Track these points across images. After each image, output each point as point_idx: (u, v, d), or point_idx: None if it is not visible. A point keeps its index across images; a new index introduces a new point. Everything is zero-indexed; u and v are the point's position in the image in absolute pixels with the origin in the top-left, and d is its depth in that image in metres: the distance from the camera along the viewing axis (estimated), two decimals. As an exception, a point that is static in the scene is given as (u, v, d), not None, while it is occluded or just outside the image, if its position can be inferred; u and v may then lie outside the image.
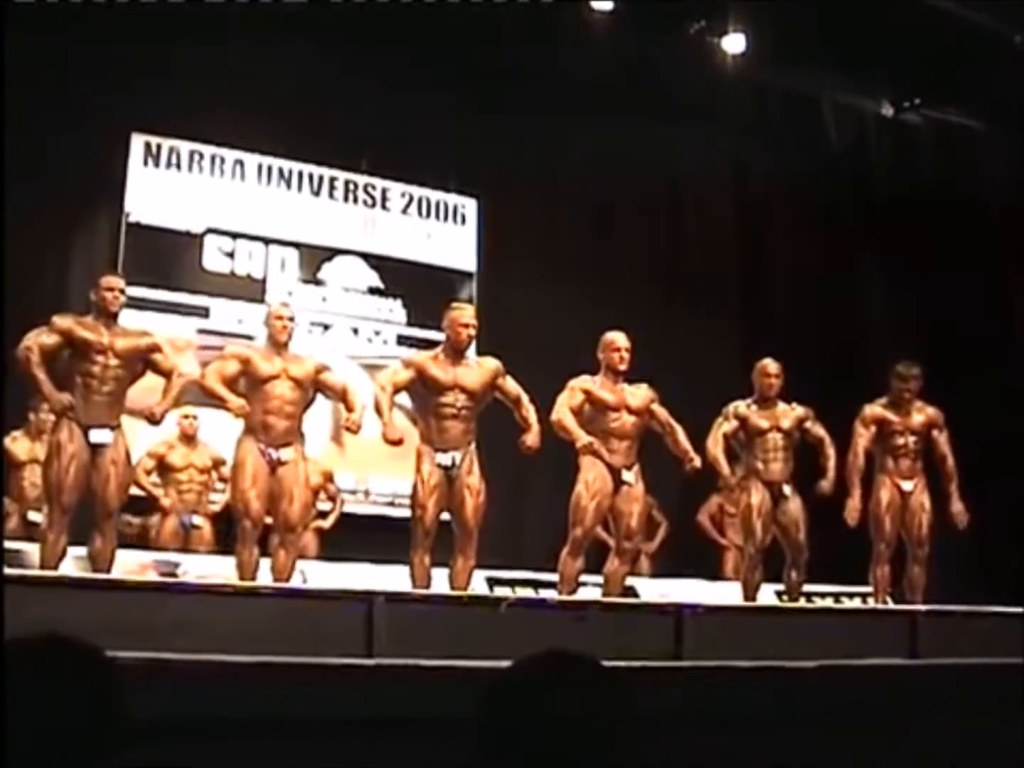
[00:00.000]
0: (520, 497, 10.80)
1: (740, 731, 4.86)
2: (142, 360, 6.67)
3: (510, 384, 7.05)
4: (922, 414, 7.93)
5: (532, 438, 6.96)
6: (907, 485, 7.84)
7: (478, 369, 7.00)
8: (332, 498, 9.86)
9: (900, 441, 7.87)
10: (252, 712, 4.35)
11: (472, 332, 6.99)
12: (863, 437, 7.82)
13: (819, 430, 7.80)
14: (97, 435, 6.40)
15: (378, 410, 6.70)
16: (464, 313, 7.08)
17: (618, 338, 7.25)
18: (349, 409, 6.89)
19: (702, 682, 5.39)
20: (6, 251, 4.77)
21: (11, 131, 4.69)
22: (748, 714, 5.02)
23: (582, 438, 6.98)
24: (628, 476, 7.11)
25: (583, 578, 7.12)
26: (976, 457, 8.32)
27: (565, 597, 6.91)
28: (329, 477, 9.77)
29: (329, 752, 4.32)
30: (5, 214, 4.87)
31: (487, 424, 7.09)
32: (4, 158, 5.19)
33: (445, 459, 6.76)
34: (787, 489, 7.65)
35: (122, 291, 6.64)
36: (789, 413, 7.75)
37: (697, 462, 7.29)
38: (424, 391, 6.85)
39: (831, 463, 7.73)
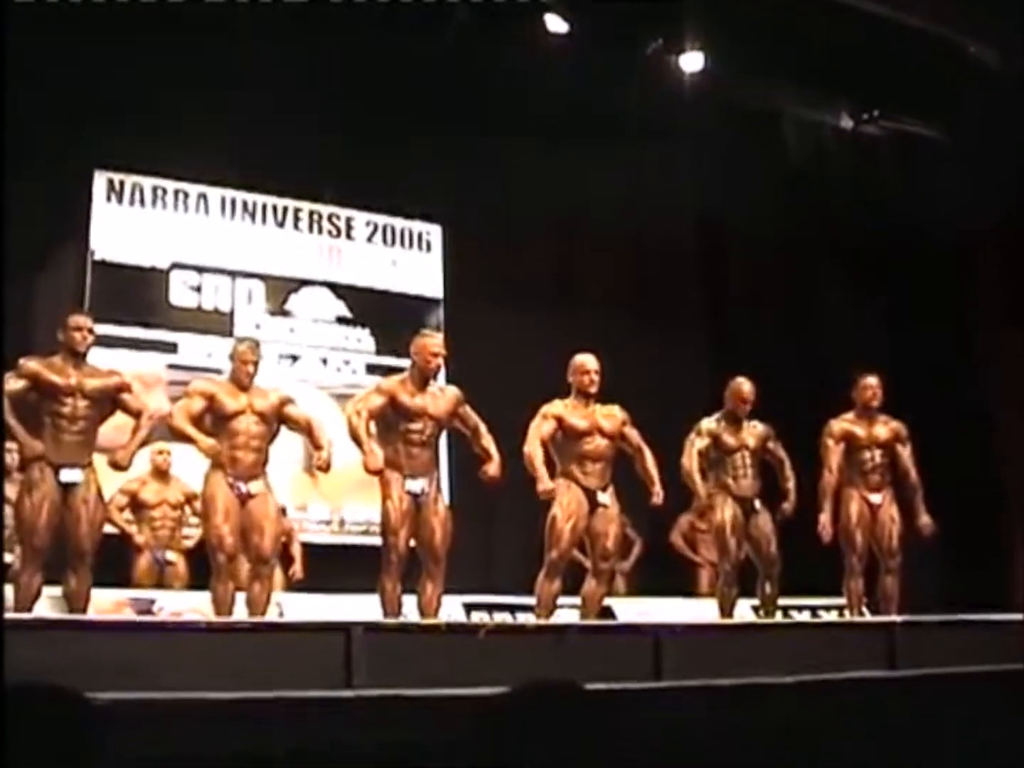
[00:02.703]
0: (495, 521, 10.78)
1: (721, 750, 4.86)
2: (111, 400, 6.66)
3: (470, 413, 7.06)
4: (886, 428, 8.02)
5: (494, 468, 6.96)
6: (875, 498, 7.91)
7: (442, 396, 7.00)
8: (287, 533, 9.16)
9: (867, 455, 7.95)
10: (233, 748, 4.33)
11: (441, 361, 7.00)
12: (835, 453, 7.89)
13: (780, 451, 7.90)
14: (68, 475, 6.40)
15: (356, 439, 6.65)
16: (433, 341, 7.05)
17: (587, 361, 7.26)
18: (316, 447, 6.86)
19: (682, 701, 5.39)
20: (5, 259, 4.72)
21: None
22: (729, 732, 5.02)
23: (543, 483, 6.97)
24: (603, 498, 7.13)
25: (560, 600, 7.12)
26: (941, 467, 8.37)
27: (543, 621, 6.90)
28: (282, 511, 9.36)
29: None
30: (6, 218, 4.80)
31: (460, 449, 7.08)
32: (4, 160, 5.14)
33: (415, 486, 6.75)
34: (757, 504, 7.72)
35: (90, 330, 6.61)
36: (753, 431, 7.82)
37: (660, 497, 7.30)
38: (393, 417, 6.83)
39: (791, 484, 7.85)
